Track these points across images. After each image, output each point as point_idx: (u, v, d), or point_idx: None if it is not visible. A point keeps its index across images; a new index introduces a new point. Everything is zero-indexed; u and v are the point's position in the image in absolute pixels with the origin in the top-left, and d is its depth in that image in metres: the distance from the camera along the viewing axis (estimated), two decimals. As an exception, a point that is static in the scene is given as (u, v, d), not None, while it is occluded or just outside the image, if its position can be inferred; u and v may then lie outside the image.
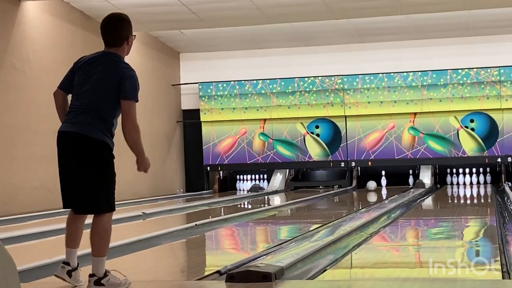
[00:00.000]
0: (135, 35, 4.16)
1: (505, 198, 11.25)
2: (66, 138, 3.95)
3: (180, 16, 12.81)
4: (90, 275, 3.99)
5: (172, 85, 16.46)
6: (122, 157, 16.01)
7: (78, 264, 4.10)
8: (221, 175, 16.53)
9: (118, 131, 4.11)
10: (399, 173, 15.80)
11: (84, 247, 5.60)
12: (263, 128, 16.09)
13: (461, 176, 15.82)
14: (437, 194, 13.66)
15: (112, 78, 3.93)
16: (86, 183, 3.96)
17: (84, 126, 3.91)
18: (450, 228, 7.72)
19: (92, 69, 3.99)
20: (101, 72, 3.96)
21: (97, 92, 3.93)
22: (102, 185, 4.01)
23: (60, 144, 4.00)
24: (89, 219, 4.18)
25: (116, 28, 4.10)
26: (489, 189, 14.48)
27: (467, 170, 15.78)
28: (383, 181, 15.85)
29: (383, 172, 15.87)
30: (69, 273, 4.04)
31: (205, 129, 16.38)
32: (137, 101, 3.99)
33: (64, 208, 4.15)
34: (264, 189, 15.72)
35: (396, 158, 15.48)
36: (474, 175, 15.76)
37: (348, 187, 15.56)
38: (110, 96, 3.91)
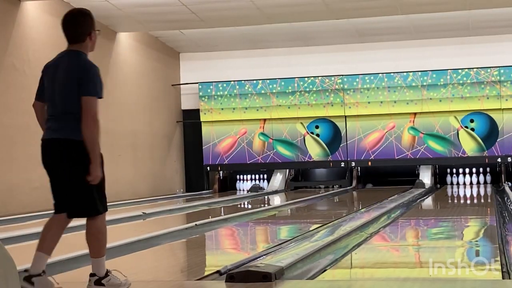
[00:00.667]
0: (99, 30, 4.04)
1: (505, 198, 11.25)
2: (52, 145, 3.93)
3: (180, 16, 12.81)
4: (91, 275, 3.96)
5: (172, 85, 16.46)
6: (122, 157, 16.00)
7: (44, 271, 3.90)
8: (221, 175, 16.53)
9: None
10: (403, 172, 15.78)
11: (81, 248, 5.61)
12: (263, 128, 16.09)
13: (461, 176, 15.82)
14: (437, 194, 13.66)
15: (72, 76, 3.85)
16: (80, 187, 3.91)
17: (66, 130, 3.87)
18: (450, 228, 7.72)
19: (55, 71, 3.93)
20: (62, 72, 3.89)
21: (64, 94, 3.86)
22: (94, 187, 3.99)
23: (45, 151, 3.96)
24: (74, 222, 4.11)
25: (77, 24, 4.01)
26: (489, 189, 14.48)
27: (467, 170, 15.77)
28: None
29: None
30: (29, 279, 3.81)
31: (205, 129, 16.38)
32: (99, 97, 3.83)
33: (56, 213, 4.03)
34: (264, 189, 15.72)
35: (396, 158, 15.48)
36: (474, 175, 15.75)
37: (348, 187, 15.57)
38: (78, 96, 3.83)
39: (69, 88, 3.85)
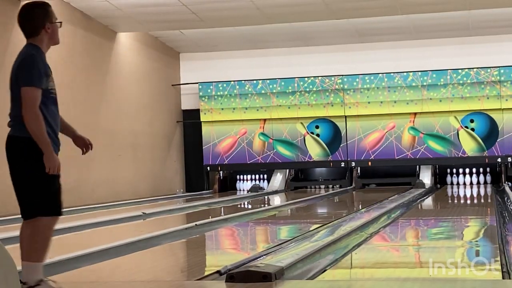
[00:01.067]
0: (60, 22, 3.94)
1: (505, 198, 11.25)
2: (7, 143, 3.79)
3: (180, 16, 12.81)
4: (22, 282, 3.61)
5: (172, 85, 16.45)
6: (122, 157, 16.00)
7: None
8: (221, 175, 16.53)
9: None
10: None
11: (81, 248, 5.62)
12: (263, 128, 16.08)
13: (461, 176, 15.82)
14: (437, 194, 13.66)
15: (14, 69, 3.78)
16: (32, 184, 3.82)
17: (14, 126, 3.77)
18: (450, 228, 7.72)
19: (13, 67, 3.85)
20: (14, 66, 3.81)
21: (14, 89, 3.77)
22: (48, 186, 3.88)
23: (6, 149, 3.84)
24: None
25: (30, 18, 3.85)
26: (489, 189, 14.48)
27: (467, 170, 15.77)
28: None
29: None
30: None
31: (205, 129, 16.38)
32: (38, 86, 3.70)
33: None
34: (264, 189, 15.72)
35: (396, 158, 15.48)
36: (474, 175, 15.75)
37: (348, 187, 15.57)
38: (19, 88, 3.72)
39: (13, 82, 3.77)
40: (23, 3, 10.88)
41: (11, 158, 3.78)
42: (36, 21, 3.83)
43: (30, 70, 3.68)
